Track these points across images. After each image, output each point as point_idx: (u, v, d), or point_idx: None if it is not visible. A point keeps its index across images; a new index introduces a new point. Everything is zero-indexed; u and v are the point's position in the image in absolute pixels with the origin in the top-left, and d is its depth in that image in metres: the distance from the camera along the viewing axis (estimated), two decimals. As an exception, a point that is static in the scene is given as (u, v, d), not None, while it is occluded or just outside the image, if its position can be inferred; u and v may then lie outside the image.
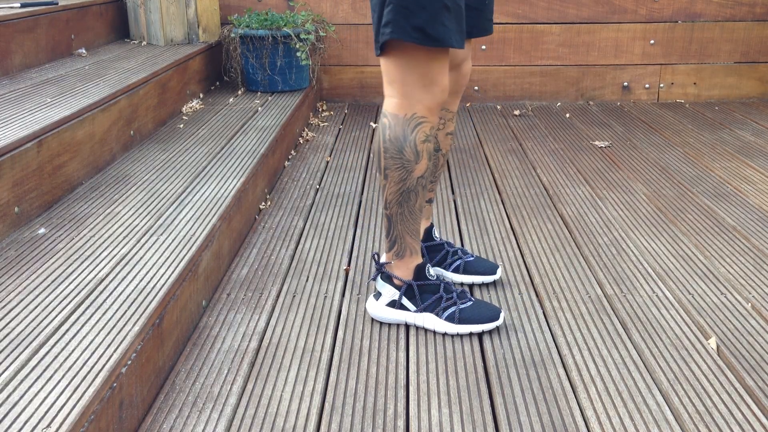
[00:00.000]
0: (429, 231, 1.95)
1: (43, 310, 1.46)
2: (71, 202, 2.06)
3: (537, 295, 1.90)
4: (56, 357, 1.31)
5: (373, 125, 3.68)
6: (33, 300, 1.51)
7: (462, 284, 1.94)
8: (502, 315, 1.72)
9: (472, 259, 1.95)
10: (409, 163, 1.57)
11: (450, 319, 1.69)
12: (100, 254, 1.73)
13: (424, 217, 1.93)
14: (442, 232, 2.31)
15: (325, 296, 1.90)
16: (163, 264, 1.68)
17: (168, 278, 1.61)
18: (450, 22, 1.46)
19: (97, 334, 1.38)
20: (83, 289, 1.56)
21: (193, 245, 1.79)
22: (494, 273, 1.94)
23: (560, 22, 4.04)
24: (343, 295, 1.91)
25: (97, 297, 1.53)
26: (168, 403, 1.46)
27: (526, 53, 4.10)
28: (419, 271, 1.71)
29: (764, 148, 3.17)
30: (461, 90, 1.81)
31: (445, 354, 1.63)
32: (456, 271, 1.94)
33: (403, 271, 1.71)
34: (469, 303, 1.72)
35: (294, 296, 1.90)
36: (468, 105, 4.16)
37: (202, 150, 2.58)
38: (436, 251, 1.95)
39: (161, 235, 1.85)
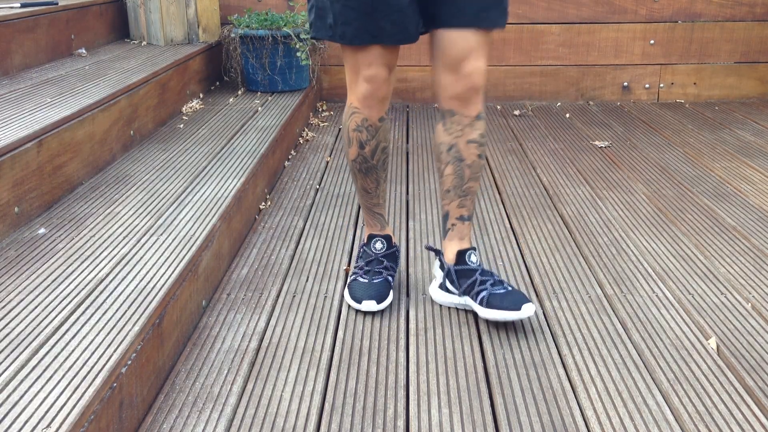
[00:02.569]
0: (462, 253, 1.79)
1: (43, 310, 1.46)
2: (71, 202, 2.06)
3: (537, 295, 1.90)
4: (56, 357, 1.31)
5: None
6: (33, 300, 1.51)
7: (486, 320, 1.75)
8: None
9: (500, 291, 1.72)
10: (346, 147, 1.85)
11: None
12: (100, 254, 1.73)
13: (456, 237, 1.80)
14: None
15: (325, 296, 1.90)
16: (163, 264, 1.68)
17: (168, 278, 1.61)
18: (356, 20, 1.58)
19: (97, 334, 1.38)
20: (83, 289, 1.56)
21: (193, 245, 1.79)
22: (517, 309, 1.68)
23: (560, 22, 4.04)
24: (343, 295, 1.91)
25: (97, 297, 1.53)
26: (168, 403, 1.46)
27: (526, 53, 4.10)
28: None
29: (764, 148, 3.17)
30: (467, 93, 1.66)
31: (445, 354, 1.63)
32: (481, 303, 1.72)
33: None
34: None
35: (294, 296, 1.90)
36: (468, 105, 4.16)
37: (202, 150, 2.58)
38: (465, 277, 1.78)
39: (161, 235, 1.85)
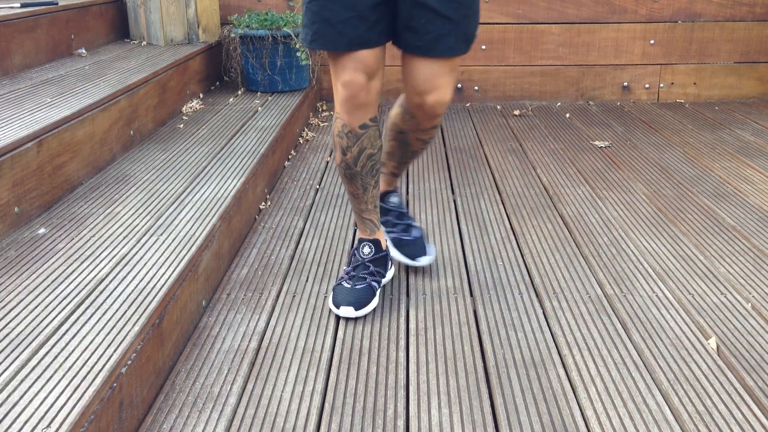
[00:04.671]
0: (384, 194, 2.07)
1: (43, 310, 1.46)
2: (71, 202, 2.06)
3: (537, 295, 1.90)
4: (56, 357, 1.31)
5: (373, 125, 3.68)
6: (33, 300, 1.51)
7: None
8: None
9: (406, 238, 2.02)
10: (333, 151, 1.91)
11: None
12: (100, 254, 1.73)
13: (384, 182, 2.07)
14: (442, 232, 2.31)
15: (325, 296, 1.90)
16: (163, 264, 1.69)
17: (168, 278, 1.61)
18: (317, 23, 1.64)
19: (97, 334, 1.38)
20: (83, 289, 1.56)
21: (193, 245, 1.79)
22: (412, 259, 2.00)
23: (560, 22, 4.04)
24: (343, 295, 1.91)
25: (97, 297, 1.53)
26: (168, 403, 1.46)
27: (526, 53, 4.10)
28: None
29: (764, 148, 3.17)
30: (427, 116, 1.76)
31: (445, 354, 1.63)
32: (391, 243, 2.03)
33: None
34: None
35: (294, 296, 1.90)
36: (468, 105, 4.16)
37: (202, 150, 2.58)
38: (383, 214, 2.06)
39: (161, 235, 1.85)
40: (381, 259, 1.90)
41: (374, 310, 1.82)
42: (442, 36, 1.64)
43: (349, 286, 1.83)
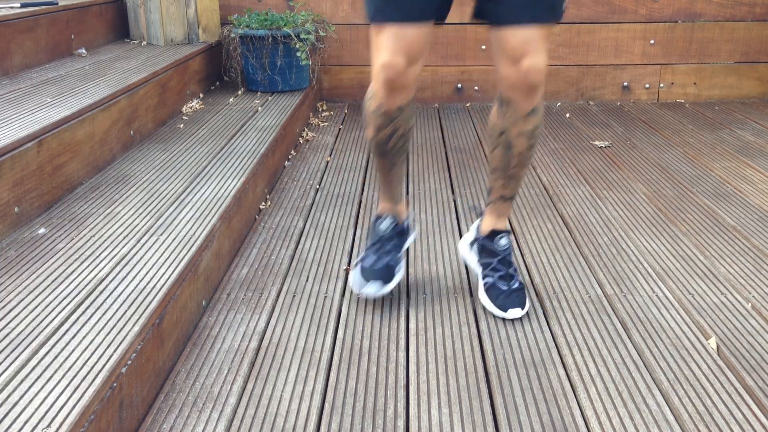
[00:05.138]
0: (495, 233, 1.89)
1: (43, 310, 1.46)
2: (71, 202, 2.06)
3: (537, 295, 1.90)
4: (56, 357, 1.31)
5: (373, 125, 3.68)
6: (33, 300, 1.51)
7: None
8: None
9: (503, 288, 1.82)
10: (364, 124, 1.86)
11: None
12: (100, 254, 1.73)
13: (495, 213, 1.89)
14: (442, 232, 2.31)
15: (325, 296, 1.90)
16: (163, 264, 1.69)
17: (168, 278, 1.61)
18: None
19: (97, 334, 1.38)
20: (83, 289, 1.56)
21: (193, 245, 1.79)
22: (503, 310, 1.79)
23: (560, 21, 4.04)
24: (343, 295, 1.91)
25: (97, 297, 1.53)
26: (168, 403, 1.46)
27: (526, 53, 4.09)
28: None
29: (764, 148, 3.17)
30: (523, 88, 1.65)
31: (445, 354, 1.63)
32: (484, 286, 1.86)
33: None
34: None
35: (294, 296, 1.90)
36: (468, 105, 4.16)
37: (202, 150, 2.58)
38: (487, 254, 1.89)
39: (161, 235, 1.85)
40: (399, 233, 1.93)
41: (374, 310, 1.82)
42: (529, 4, 1.59)
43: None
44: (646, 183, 2.76)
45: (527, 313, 1.81)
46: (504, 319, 1.77)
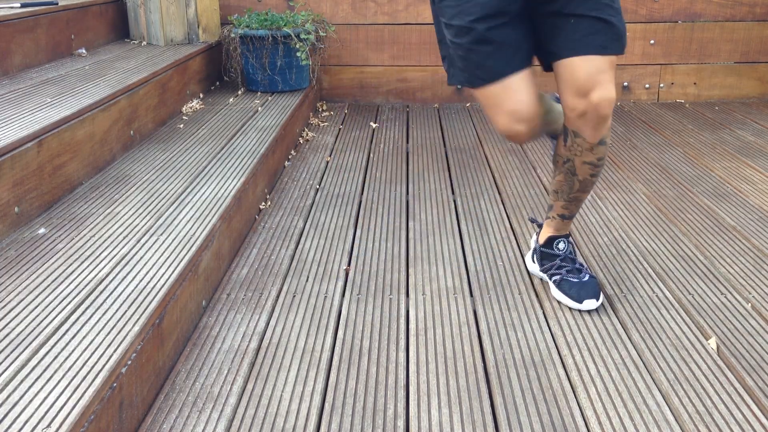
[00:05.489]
0: (552, 239, 1.92)
1: (43, 310, 1.46)
2: (71, 202, 2.06)
3: (537, 295, 1.90)
4: (56, 357, 1.31)
5: (373, 125, 3.68)
6: (33, 300, 1.51)
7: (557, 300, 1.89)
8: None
9: (573, 280, 1.84)
10: None
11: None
12: (100, 254, 1.73)
13: (553, 227, 1.92)
14: (442, 232, 2.31)
15: (325, 296, 1.90)
16: (163, 264, 1.69)
17: (168, 278, 1.61)
18: (456, 64, 1.68)
19: (97, 334, 1.38)
20: (83, 289, 1.56)
21: (193, 245, 1.79)
22: (578, 301, 1.81)
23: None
24: (343, 295, 1.91)
25: (97, 297, 1.53)
26: (168, 403, 1.46)
27: (526, 53, 4.09)
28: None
29: (764, 148, 3.17)
30: (593, 120, 1.64)
31: (445, 354, 1.63)
32: (554, 284, 1.88)
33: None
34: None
35: (294, 296, 1.90)
36: (468, 105, 4.16)
37: (202, 150, 2.58)
38: (547, 259, 1.93)
39: (161, 235, 1.85)
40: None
41: (374, 310, 1.82)
42: (592, 34, 1.60)
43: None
44: (646, 183, 2.76)
45: (527, 313, 1.81)
46: (504, 320, 1.77)
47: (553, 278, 1.88)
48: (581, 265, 1.88)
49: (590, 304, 1.80)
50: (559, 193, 1.84)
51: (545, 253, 1.93)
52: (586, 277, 1.84)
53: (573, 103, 1.64)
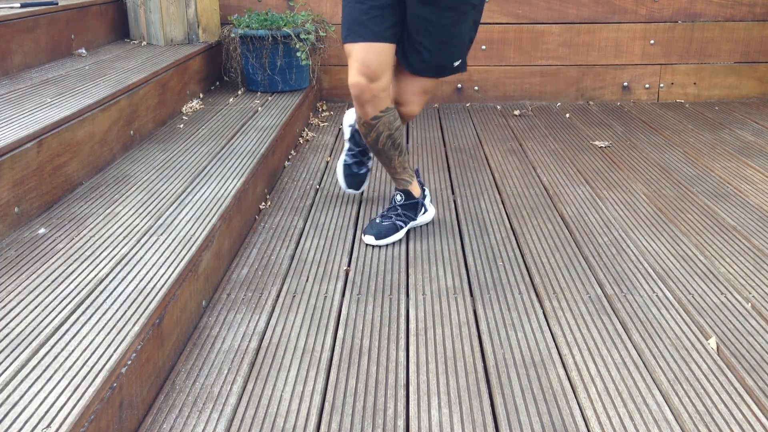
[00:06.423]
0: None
1: (43, 310, 1.46)
2: (71, 202, 2.06)
3: (537, 295, 1.90)
4: (56, 357, 1.31)
5: (373, 125, 3.68)
6: (33, 300, 1.51)
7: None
8: (367, 238, 2.21)
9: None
10: None
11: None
12: (100, 254, 1.73)
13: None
14: (442, 232, 2.31)
15: (325, 296, 1.90)
16: (163, 264, 1.69)
17: (168, 278, 1.61)
18: (346, 19, 2.01)
19: (97, 334, 1.38)
20: (83, 289, 1.56)
21: (193, 245, 1.79)
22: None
23: (560, 22, 4.04)
24: (343, 295, 1.91)
25: (97, 297, 1.53)
26: (168, 403, 1.46)
27: (526, 53, 4.10)
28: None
29: (764, 148, 3.17)
30: (402, 117, 2.22)
31: (445, 354, 1.63)
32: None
33: None
34: (377, 219, 2.26)
35: (294, 296, 1.90)
36: (468, 105, 4.16)
37: (202, 150, 2.58)
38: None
39: (161, 235, 1.85)
40: (410, 205, 2.25)
41: (374, 310, 1.82)
42: (417, 55, 2.05)
43: (378, 221, 2.24)
44: (646, 183, 2.76)
45: (527, 313, 1.81)
46: (504, 320, 1.77)
47: (344, 158, 2.45)
48: (368, 158, 2.46)
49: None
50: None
51: (354, 136, 2.45)
52: (363, 170, 2.45)
53: (393, 97, 2.19)
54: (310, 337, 1.71)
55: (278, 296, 1.90)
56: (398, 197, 2.24)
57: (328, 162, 3.05)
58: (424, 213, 2.31)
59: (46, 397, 1.20)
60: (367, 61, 1.95)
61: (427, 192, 2.34)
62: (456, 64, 2.08)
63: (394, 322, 1.77)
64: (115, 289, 1.56)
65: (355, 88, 1.99)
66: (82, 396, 1.20)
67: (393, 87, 2.12)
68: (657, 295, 1.89)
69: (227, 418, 1.41)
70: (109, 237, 1.83)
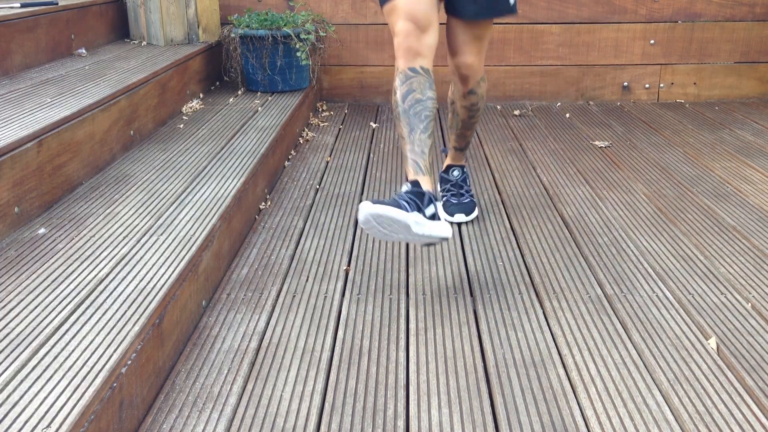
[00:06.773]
0: (449, 167, 2.44)
1: (43, 310, 1.47)
2: (71, 202, 2.06)
3: (537, 295, 1.90)
4: (56, 357, 1.31)
5: (373, 125, 3.68)
6: (33, 300, 1.51)
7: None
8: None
9: (455, 202, 2.37)
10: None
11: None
12: (100, 254, 1.73)
13: (450, 157, 2.47)
14: (442, 232, 2.31)
15: (325, 296, 1.90)
16: (163, 264, 1.69)
17: (168, 278, 1.61)
18: None
19: (97, 334, 1.38)
20: (83, 289, 1.56)
21: (193, 245, 1.79)
22: (451, 215, 2.33)
23: (560, 22, 4.04)
24: (343, 295, 1.91)
25: (97, 297, 1.53)
26: (168, 403, 1.46)
27: (526, 53, 4.10)
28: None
29: (764, 148, 3.17)
30: (459, 76, 2.16)
31: (445, 354, 1.63)
32: (441, 204, 2.39)
33: None
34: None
35: (294, 296, 1.90)
36: (468, 105, 4.16)
37: (202, 150, 2.58)
38: (443, 182, 2.45)
39: (161, 235, 1.85)
40: (418, 194, 1.98)
41: (374, 310, 1.82)
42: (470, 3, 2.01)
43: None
44: (646, 183, 2.76)
45: (527, 313, 1.81)
46: (504, 320, 1.77)
47: (443, 199, 2.38)
48: (466, 191, 2.39)
49: (459, 217, 2.31)
50: (451, 128, 2.34)
51: (443, 178, 2.43)
52: (466, 199, 2.37)
53: (449, 58, 2.14)
54: (310, 337, 1.71)
55: (278, 296, 1.90)
56: (404, 188, 2.04)
57: (328, 162, 3.05)
58: (429, 205, 2.19)
59: (46, 397, 1.20)
60: (413, 11, 1.87)
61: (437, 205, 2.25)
62: (512, 1, 2.04)
63: (394, 322, 1.77)
64: (115, 289, 1.56)
65: (399, 35, 1.88)
66: (82, 396, 1.20)
67: (448, 51, 2.13)
68: (657, 295, 1.89)
69: (227, 418, 1.41)
70: (109, 237, 1.83)
